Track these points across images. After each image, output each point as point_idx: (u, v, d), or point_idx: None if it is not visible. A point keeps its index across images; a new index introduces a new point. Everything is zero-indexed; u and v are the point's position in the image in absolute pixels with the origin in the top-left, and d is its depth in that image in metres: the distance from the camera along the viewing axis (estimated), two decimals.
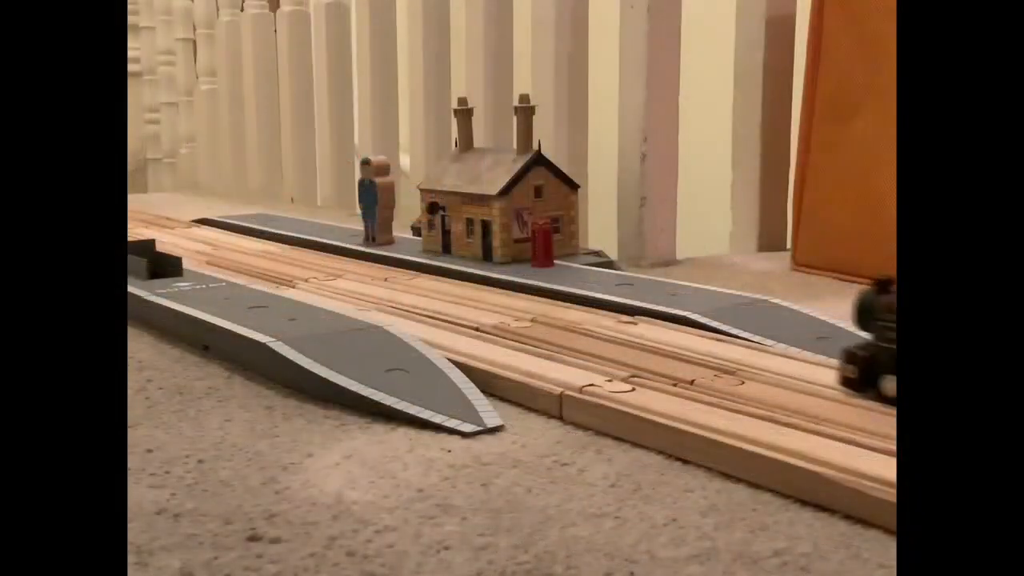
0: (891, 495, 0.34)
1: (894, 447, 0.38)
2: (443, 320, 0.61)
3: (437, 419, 0.45)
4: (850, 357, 0.45)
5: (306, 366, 0.50)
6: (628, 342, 0.55)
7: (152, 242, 0.78)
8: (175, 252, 0.78)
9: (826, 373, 0.48)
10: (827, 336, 0.56)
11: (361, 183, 0.89)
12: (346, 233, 0.95)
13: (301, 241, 0.94)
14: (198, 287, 0.69)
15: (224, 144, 1.66)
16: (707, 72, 1.23)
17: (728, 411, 0.43)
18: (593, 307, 0.63)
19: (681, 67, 0.95)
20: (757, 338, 0.55)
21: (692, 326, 0.58)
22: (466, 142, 0.84)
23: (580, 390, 0.46)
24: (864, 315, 0.45)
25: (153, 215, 1.20)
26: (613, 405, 0.44)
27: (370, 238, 0.89)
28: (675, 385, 0.47)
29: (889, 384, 0.42)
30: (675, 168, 0.95)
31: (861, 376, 0.44)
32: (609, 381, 0.47)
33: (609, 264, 0.80)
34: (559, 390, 0.47)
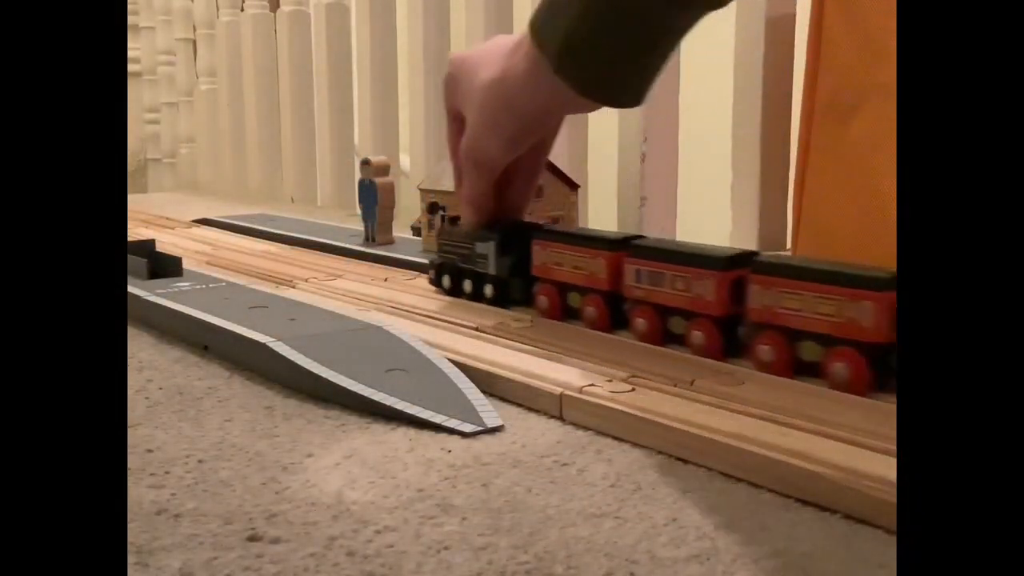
0: (891, 495, 0.34)
1: (894, 447, 0.38)
2: (443, 320, 0.61)
3: (437, 419, 0.45)
4: (430, 265, 0.69)
5: (306, 366, 0.50)
6: (628, 342, 0.55)
7: (152, 242, 0.78)
8: (175, 252, 0.78)
9: None
10: None
11: (361, 183, 0.90)
12: (346, 233, 0.95)
13: (301, 241, 0.94)
14: (198, 287, 0.69)
15: (224, 144, 1.66)
16: (707, 72, 1.23)
17: (728, 411, 0.43)
18: None
19: (681, 67, 0.95)
20: None
21: None
22: None
23: (580, 390, 0.46)
24: (437, 237, 0.68)
25: (153, 215, 1.20)
26: (613, 405, 0.44)
27: (370, 238, 0.89)
28: (675, 385, 0.47)
29: (466, 284, 0.66)
30: (675, 168, 0.95)
31: (436, 277, 0.68)
32: (609, 381, 0.47)
33: None
34: (559, 390, 0.47)
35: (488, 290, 0.64)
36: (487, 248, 0.63)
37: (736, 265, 0.50)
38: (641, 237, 0.57)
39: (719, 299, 0.50)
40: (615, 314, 0.56)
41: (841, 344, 0.45)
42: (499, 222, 0.63)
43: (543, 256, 0.60)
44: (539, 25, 0.53)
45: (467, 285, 0.65)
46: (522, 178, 0.63)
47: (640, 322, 0.54)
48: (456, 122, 0.62)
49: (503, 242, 0.62)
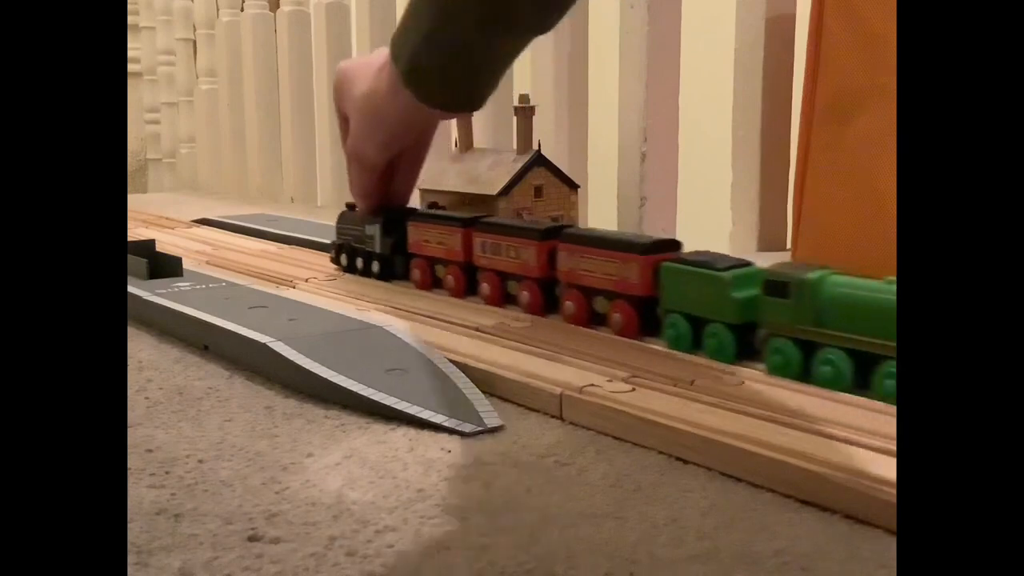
0: (891, 495, 0.34)
1: (894, 447, 0.38)
2: (443, 320, 0.61)
3: (437, 419, 0.45)
4: (331, 246, 0.80)
5: (306, 366, 0.50)
6: (628, 342, 0.55)
7: (152, 242, 0.78)
8: (175, 252, 0.78)
9: None
10: None
11: None
12: None
13: (301, 241, 0.94)
14: (198, 287, 0.69)
15: (224, 144, 1.66)
16: (707, 72, 1.23)
17: (728, 411, 0.43)
18: None
19: (681, 67, 0.95)
20: None
21: None
22: (466, 142, 0.84)
23: (580, 390, 0.46)
24: (336, 222, 0.79)
25: (153, 215, 1.20)
26: (613, 405, 0.44)
27: None
28: (675, 385, 0.47)
29: (358, 261, 0.76)
30: (675, 168, 0.95)
31: (336, 256, 0.79)
32: (609, 381, 0.47)
33: None
34: (559, 390, 0.47)
35: (375, 266, 0.75)
36: (374, 230, 0.74)
37: (551, 236, 0.61)
38: (492, 217, 0.69)
39: (539, 264, 0.61)
40: (470, 281, 0.67)
41: (618, 297, 0.56)
42: (385, 208, 0.74)
43: (416, 235, 0.71)
44: (394, 47, 0.63)
45: (359, 262, 0.76)
46: (404, 171, 0.74)
47: (485, 287, 0.65)
48: (345, 123, 0.72)
49: (386, 224, 0.73)
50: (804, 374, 0.47)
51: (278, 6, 1.52)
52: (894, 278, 0.47)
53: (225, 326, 0.57)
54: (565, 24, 1.03)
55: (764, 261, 0.91)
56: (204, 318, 0.60)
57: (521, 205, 0.77)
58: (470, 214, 0.69)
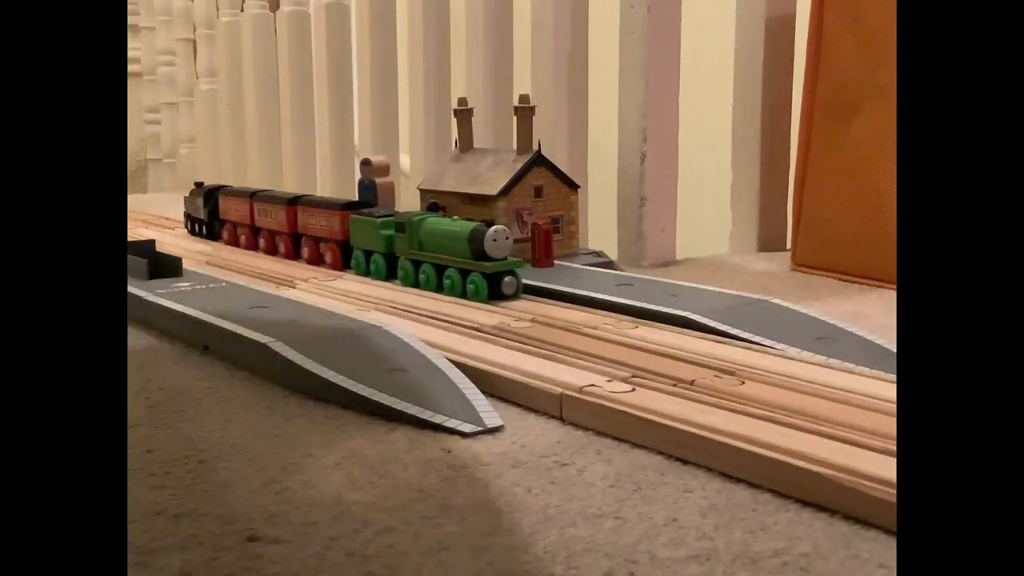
0: (891, 495, 0.34)
1: (894, 447, 0.38)
2: (443, 320, 0.61)
3: (437, 419, 0.45)
4: (184, 216, 1.07)
5: (306, 366, 0.50)
6: (628, 342, 0.55)
7: (152, 242, 0.78)
8: (175, 252, 0.78)
9: (827, 373, 0.48)
10: (827, 336, 0.56)
11: (361, 183, 0.90)
12: None
13: None
14: (198, 287, 0.69)
15: (224, 144, 1.66)
16: (707, 72, 1.23)
17: (728, 411, 0.43)
18: (593, 307, 0.63)
19: (681, 68, 0.95)
20: (757, 338, 0.55)
21: (692, 326, 0.58)
22: (466, 142, 0.84)
23: (580, 390, 0.46)
24: (184, 199, 1.06)
25: (153, 215, 1.20)
26: (613, 405, 0.44)
27: None
28: (675, 385, 0.47)
29: (195, 227, 1.04)
30: (675, 168, 0.95)
31: (186, 224, 1.06)
32: (609, 381, 0.47)
33: (609, 264, 0.79)
34: (559, 390, 0.47)
35: (204, 230, 1.02)
36: (200, 203, 1.02)
37: (294, 203, 0.86)
38: (268, 190, 0.95)
39: (288, 222, 0.87)
40: (255, 238, 0.92)
41: (330, 242, 0.82)
42: (208, 187, 1.02)
43: (224, 205, 0.98)
44: None
45: (195, 227, 1.04)
46: None
47: (262, 241, 0.91)
48: None
49: (206, 199, 1.01)
50: (416, 283, 0.71)
51: (278, 6, 1.52)
52: (458, 217, 0.71)
53: (225, 326, 0.57)
54: (565, 23, 1.03)
55: (764, 261, 0.91)
56: (204, 318, 0.60)
57: (521, 205, 0.77)
58: (255, 190, 0.94)
